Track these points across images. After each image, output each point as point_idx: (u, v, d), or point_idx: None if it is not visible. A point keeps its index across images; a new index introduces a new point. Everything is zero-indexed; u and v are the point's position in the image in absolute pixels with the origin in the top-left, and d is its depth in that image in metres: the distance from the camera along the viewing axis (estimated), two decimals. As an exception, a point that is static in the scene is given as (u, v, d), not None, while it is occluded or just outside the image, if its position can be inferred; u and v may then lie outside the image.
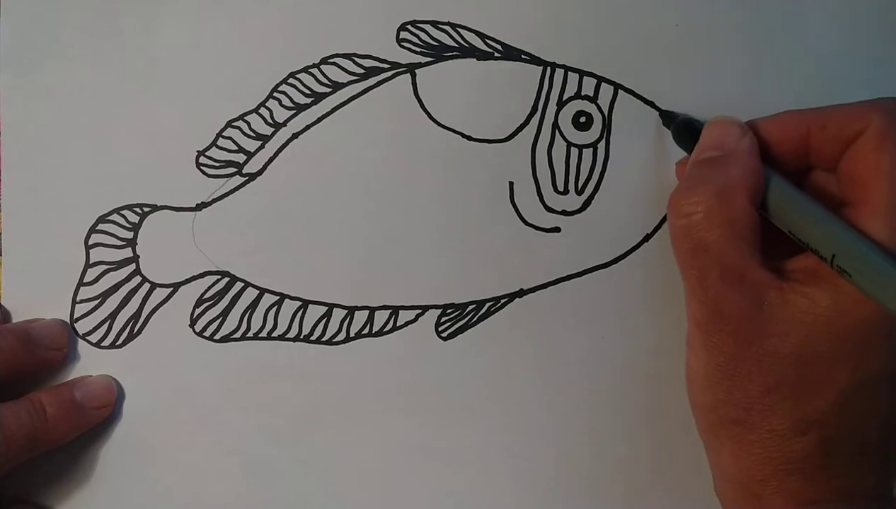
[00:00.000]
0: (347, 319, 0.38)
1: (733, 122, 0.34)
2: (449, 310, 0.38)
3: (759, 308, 0.31)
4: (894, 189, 0.30)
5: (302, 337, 0.38)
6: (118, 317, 0.38)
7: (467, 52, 0.38)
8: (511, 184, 0.38)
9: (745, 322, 0.31)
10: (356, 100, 0.38)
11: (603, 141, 0.38)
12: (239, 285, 0.38)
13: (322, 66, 0.38)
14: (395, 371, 0.38)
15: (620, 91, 0.38)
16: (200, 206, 0.38)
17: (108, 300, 0.38)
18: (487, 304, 0.38)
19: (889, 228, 0.30)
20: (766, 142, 0.33)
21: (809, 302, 0.31)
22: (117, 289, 0.38)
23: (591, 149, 0.38)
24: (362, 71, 0.38)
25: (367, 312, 0.38)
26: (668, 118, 0.37)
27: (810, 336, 0.30)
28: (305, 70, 0.38)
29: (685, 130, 0.36)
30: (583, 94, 0.38)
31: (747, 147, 0.33)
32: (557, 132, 0.38)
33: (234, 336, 0.38)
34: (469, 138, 0.38)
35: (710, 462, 0.34)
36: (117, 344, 0.38)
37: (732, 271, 0.31)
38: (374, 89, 0.38)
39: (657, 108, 0.38)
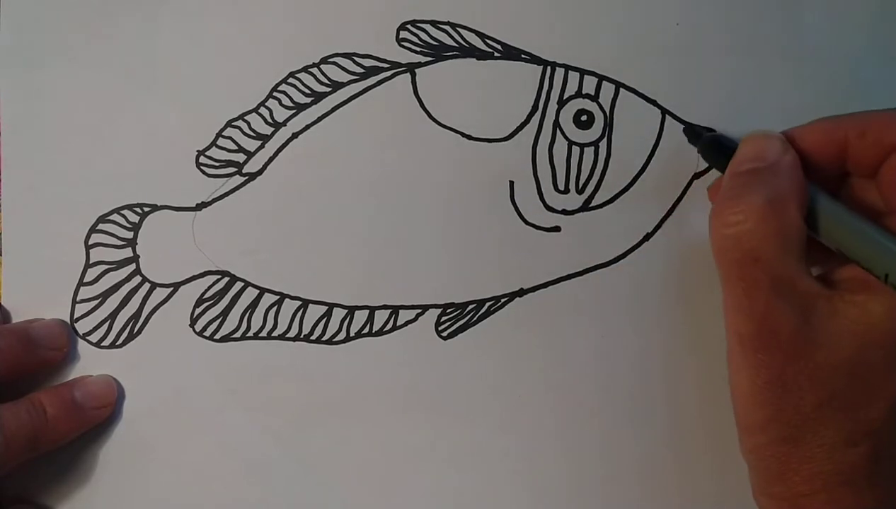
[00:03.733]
0: (347, 319, 0.38)
1: (774, 136, 0.33)
2: (449, 310, 0.38)
3: (809, 320, 0.30)
4: None
5: (302, 336, 0.38)
6: (118, 316, 0.38)
7: (467, 51, 0.38)
8: (511, 183, 0.38)
9: (794, 335, 0.30)
10: (356, 99, 0.38)
11: (604, 139, 0.38)
12: (239, 285, 0.38)
13: (322, 66, 0.38)
14: (395, 371, 0.38)
15: (622, 89, 0.38)
16: (200, 206, 0.38)
17: (108, 300, 0.38)
18: (488, 304, 0.38)
19: None
20: (803, 152, 0.33)
21: (861, 311, 0.30)
22: (117, 289, 0.38)
23: (593, 148, 0.38)
24: (362, 70, 0.38)
25: (367, 312, 0.38)
26: (693, 134, 0.37)
27: (863, 345, 0.30)
28: (305, 70, 0.38)
29: (716, 147, 0.35)
30: (584, 92, 0.38)
31: (792, 160, 0.32)
32: (559, 131, 0.38)
33: (234, 336, 0.38)
34: (469, 138, 0.38)
35: (752, 479, 0.33)
36: (117, 344, 0.38)
37: (784, 282, 0.30)
38: (374, 89, 0.38)
39: (668, 113, 0.38)
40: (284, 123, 0.38)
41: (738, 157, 0.33)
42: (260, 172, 0.38)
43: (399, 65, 0.38)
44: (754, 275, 0.31)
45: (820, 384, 0.30)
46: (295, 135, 0.38)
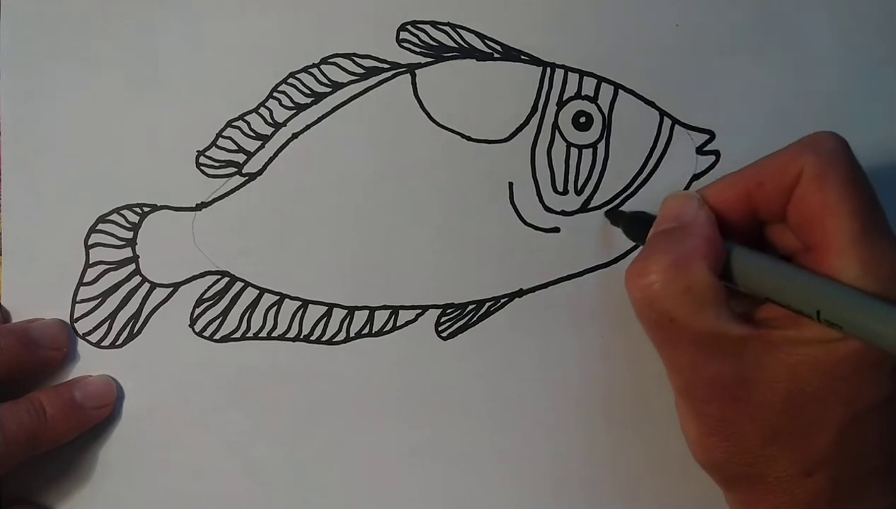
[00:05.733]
0: (347, 319, 0.38)
1: (690, 195, 0.34)
2: (449, 310, 0.38)
3: (741, 363, 0.31)
4: (849, 223, 0.30)
5: (302, 337, 0.38)
6: (118, 316, 0.38)
7: (467, 52, 0.38)
8: (511, 184, 0.38)
9: (728, 381, 0.31)
10: (356, 100, 0.38)
11: (603, 141, 0.38)
12: (239, 285, 0.38)
13: (322, 66, 0.38)
14: (395, 371, 0.38)
15: (621, 91, 0.38)
16: (200, 206, 0.38)
17: (107, 300, 0.38)
18: (487, 304, 0.38)
19: (858, 263, 0.29)
20: (717, 210, 0.33)
21: (793, 345, 0.30)
22: (117, 289, 0.38)
23: (591, 150, 0.38)
24: (362, 71, 0.38)
25: (367, 312, 0.38)
26: (615, 217, 0.37)
27: (798, 378, 0.30)
28: (305, 70, 0.38)
29: (637, 222, 0.36)
30: (583, 94, 0.38)
31: (703, 218, 0.32)
32: (557, 132, 0.38)
33: (234, 336, 0.38)
34: (469, 138, 0.38)
35: (727, 502, 0.34)
36: (117, 344, 0.38)
37: (705, 336, 0.31)
38: (374, 89, 0.38)
39: (666, 114, 0.38)
40: (284, 124, 0.38)
41: (658, 219, 0.34)
42: (260, 172, 0.38)
43: (399, 65, 0.38)
44: (674, 334, 0.31)
45: (763, 422, 0.31)
46: (295, 136, 0.38)
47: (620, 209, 0.38)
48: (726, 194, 0.33)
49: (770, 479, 0.31)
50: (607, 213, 0.38)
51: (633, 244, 0.38)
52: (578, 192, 0.38)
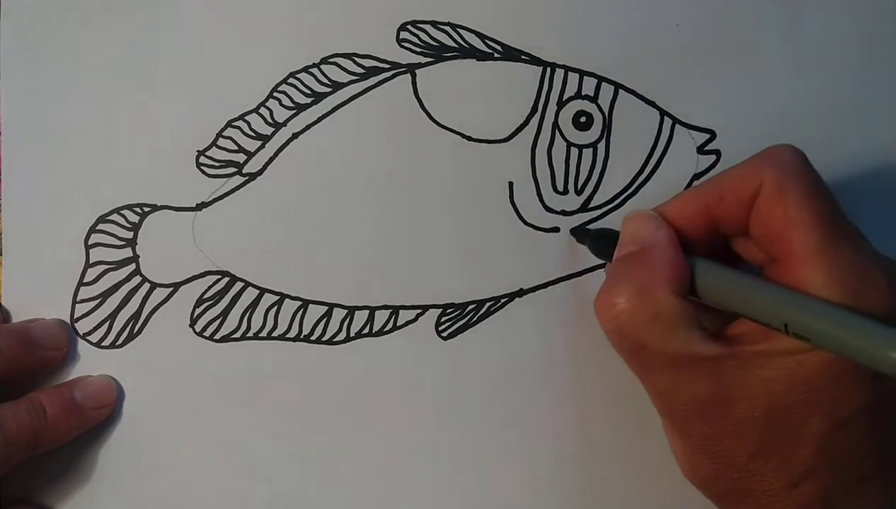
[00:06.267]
0: (347, 319, 0.38)
1: (648, 215, 0.34)
2: (449, 310, 0.38)
3: (719, 381, 0.31)
4: (811, 233, 0.30)
5: (302, 337, 0.38)
6: (118, 316, 0.38)
7: (467, 52, 0.38)
8: (511, 184, 0.38)
9: (706, 401, 0.31)
10: (356, 100, 0.38)
11: (603, 141, 0.38)
12: (239, 285, 0.38)
13: (322, 66, 0.38)
14: (395, 371, 0.38)
15: (621, 91, 0.38)
16: (200, 206, 0.38)
17: (108, 300, 0.38)
18: (487, 304, 0.38)
19: (822, 272, 0.29)
20: (677, 227, 0.33)
21: (766, 358, 0.30)
22: (117, 289, 0.38)
23: (591, 149, 0.38)
24: (362, 71, 0.38)
25: (367, 312, 0.38)
26: (581, 234, 0.37)
27: (774, 392, 0.30)
28: (305, 70, 0.38)
29: (602, 241, 0.36)
30: (583, 93, 0.38)
31: (663, 238, 0.32)
32: (557, 132, 0.38)
33: (234, 336, 0.38)
34: (469, 138, 0.38)
35: None
36: (117, 344, 0.38)
37: (679, 359, 0.31)
38: (374, 89, 0.38)
39: (667, 114, 0.38)
40: (284, 123, 0.38)
41: (620, 242, 0.34)
42: (260, 172, 0.38)
43: (399, 65, 0.38)
44: (648, 360, 0.32)
45: (745, 438, 0.31)
46: (295, 136, 0.38)
47: (586, 227, 0.38)
48: (686, 210, 0.33)
49: (758, 493, 0.31)
50: (572, 231, 0.38)
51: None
52: (578, 192, 0.38)
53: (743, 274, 0.32)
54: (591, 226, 0.38)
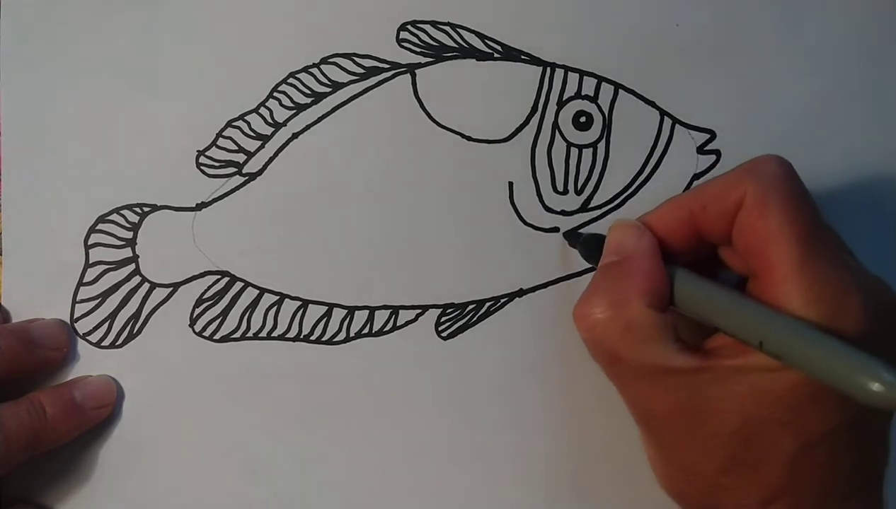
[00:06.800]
0: (347, 319, 0.38)
1: (631, 225, 0.34)
2: (449, 310, 0.38)
3: (693, 394, 0.30)
4: (791, 250, 0.29)
5: (302, 337, 0.38)
6: (118, 316, 0.38)
7: (467, 52, 0.38)
8: (511, 184, 0.38)
9: (680, 413, 0.31)
10: (356, 100, 0.38)
11: (603, 141, 0.38)
12: (239, 285, 0.38)
13: (322, 66, 0.38)
14: (395, 371, 0.38)
15: (621, 91, 0.38)
16: (200, 206, 0.38)
17: (107, 300, 0.38)
18: (487, 304, 0.38)
19: (800, 292, 0.29)
20: (661, 236, 0.33)
21: (741, 374, 0.30)
22: (117, 289, 0.38)
23: (591, 150, 0.38)
24: (362, 71, 0.38)
25: (367, 312, 0.38)
26: (573, 238, 0.37)
27: (749, 407, 0.30)
28: (305, 70, 0.38)
29: (591, 246, 0.36)
30: (583, 93, 0.38)
31: (643, 249, 0.32)
32: (557, 132, 0.38)
33: (234, 336, 0.38)
34: (469, 138, 0.38)
35: None
36: (117, 344, 0.38)
37: (653, 370, 0.31)
38: (374, 89, 0.38)
39: (666, 114, 0.38)
40: (284, 123, 0.38)
41: (604, 251, 0.34)
42: (260, 172, 0.38)
43: (399, 65, 0.38)
44: (623, 370, 0.32)
45: (717, 452, 0.31)
46: (295, 136, 0.38)
47: (578, 231, 0.38)
48: (669, 219, 0.33)
49: (732, 507, 0.31)
50: (565, 234, 0.38)
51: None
52: (578, 192, 0.38)
53: (722, 287, 0.31)
54: (583, 231, 0.38)
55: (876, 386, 0.26)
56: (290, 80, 0.38)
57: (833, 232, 0.32)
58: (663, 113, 0.38)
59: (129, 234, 0.38)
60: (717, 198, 0.32)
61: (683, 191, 0.38)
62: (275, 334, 0.38)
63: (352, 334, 0.38)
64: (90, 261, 0.38)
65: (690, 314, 0.32)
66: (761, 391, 0.29)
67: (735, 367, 0.30)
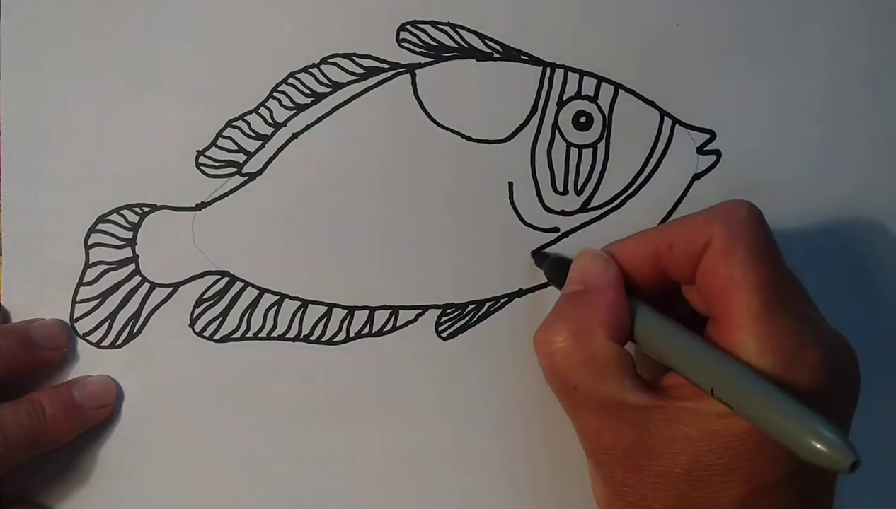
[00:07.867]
0: (347, 319, 0.38)
1: (598, 255, 0.34)
2: (449, 310, 0.38)
3: (644, 432, 0.30)
4: (752, 299, 0.30)
5: (302, 337, 0.38)
6: (118, 316, 0.38)
7: (467, 52, 0.38)
8: (511, 184, 0.38)
9: (631, 448, 0.31)
10: (356, 100, 0.38)
11: (603, 141, 0.38)
12: (239, 285, 0.38)
13: (322, 66, 0.38)
14: (395, 371, 0.38)
15: (621, 91, 0.38)
16: (200, 206, 0.38)
17: (107, 300, 0.38)
18: (487, 304, 0.38)
19: (757, 340, 0.29)
20: (626, 269, 0.33)
21: (693, 417, 0.30)
22: (117, 289, 0.38)
23: (591, 150, 0.38)
24: (362, 71, 0.38)
25: (367, 312, 0.38)
26: (539, 258, 0.38)
27: (699, 450, 0.30)
28: (305, 70, 0.38)
29: (557, 269, 0.36)
30: (583, 93, 0.38)
31: (608, 281, 0.33)
32: (557, 132, 0.38)
33: (233, 336, 0.38)
34: (469, 138, 0.38)
35: None
36: (117, 344, 0.38)
37: (608, 403, 0.31)
38: (374, 89, 0.38)
39: (667, 114, 0.38)
40: (284, 124, 0.38)
41: (568, 279, 0.34)
42: (260, 172, 0.38)
43: (399, 65, 0.38)
44: (578, 401, 0.32)
45: (664, 491, 0.30)
46: (295, 136, 0.38)
47: (544, 251, 0.38)
48: (636, 253, 0.33)
49: None
50: (533, 253, 0.38)
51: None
52: (578, 192, 0.38)
53: (680, 328, 0.31)
54: (548, 251, 0.38)
55: (818, 446, 0.26)
56: (290, 81, 0.38)
57: (796, 281, 0.32)
58: (663, 113, 0.38)
59: (129, 234, 0.38)
60: (684, 239, 0.32)
61: (683, 192, 0.38)
62: (275, 334, 0.38)
63: (352, 334, 0.38)
64: (90, 261, 0.38)
65: (648, 351, 0.32)
66: (712, 435, 0.29)
67: (688, 410, 0.30)
